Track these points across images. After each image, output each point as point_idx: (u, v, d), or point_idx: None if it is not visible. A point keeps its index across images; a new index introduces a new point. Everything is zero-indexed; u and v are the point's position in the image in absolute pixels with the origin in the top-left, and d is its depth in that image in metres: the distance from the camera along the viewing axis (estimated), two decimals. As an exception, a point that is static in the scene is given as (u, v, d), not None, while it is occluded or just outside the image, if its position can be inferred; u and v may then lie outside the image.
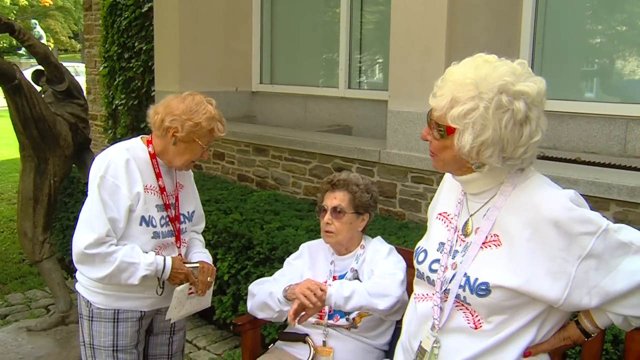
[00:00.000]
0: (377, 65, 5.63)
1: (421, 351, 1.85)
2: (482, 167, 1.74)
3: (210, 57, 5.95)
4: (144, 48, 6.80)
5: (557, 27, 4.34)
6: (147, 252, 2.49)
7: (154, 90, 6.60)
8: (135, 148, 2.55)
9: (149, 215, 2.51)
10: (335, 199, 2.63)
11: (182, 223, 2.65)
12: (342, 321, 2.55)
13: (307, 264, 2.74)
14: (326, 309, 2.56)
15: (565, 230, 1.62)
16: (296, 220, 4.09)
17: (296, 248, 3.59)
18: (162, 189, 2.56)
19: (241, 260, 3.91)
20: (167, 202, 2.58)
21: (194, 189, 2.81)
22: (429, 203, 4.18)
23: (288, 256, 3.61)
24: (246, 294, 3.78)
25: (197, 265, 2.62)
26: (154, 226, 2.53)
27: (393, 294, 2.37)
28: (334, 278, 2.62)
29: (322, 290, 2.31)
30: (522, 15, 4.23)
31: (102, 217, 2.39)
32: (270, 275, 3.51)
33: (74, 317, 4.07)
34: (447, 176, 2.05)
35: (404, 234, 3.79)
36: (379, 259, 2.56)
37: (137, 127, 7.13)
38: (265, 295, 2.58)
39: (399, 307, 2.39)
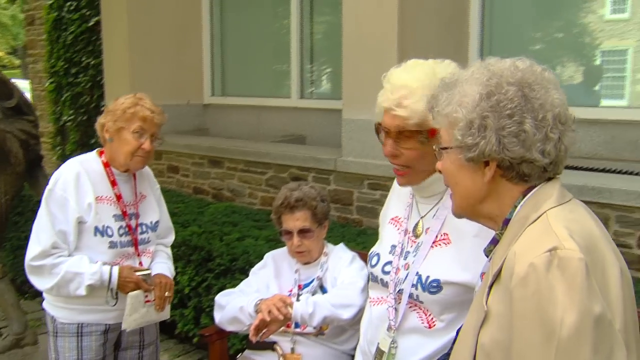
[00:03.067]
0: (329, 75, 5.69)
1: (379, 352, 1.90)
2: None
3: (161, 70, 5.91)
4: (92, 63, 6.70)
5: (503, 33, 4.49)
6: (104, 263, 2.50)
7: (103, 105, 6.50)
8: (88, 161, 2.61)
9: (103, 225, 2.52)
10: (298, 220, 2.62)
11: (143, 233, 2.66)
12: (310, 329, 2.56)
13: (272, 273, 2.75)
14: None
15: None
16: (255, 231, 4.09)
17: (257, 258, 3.59)
18: (118, 197, 2.57)
19: (201, 273, 3.89)
20: (125, 211, 2.58)
21: (159, 200, 2.81)
22: (386, 209, 4.25)
23: (249, 267, 3.62)
24: (208, 307, 3.80)
25: (149, 272, 2.60)
26: (110, 236, 2.54)
27: (355, 303, 2.38)
28: (299, 287, 2.64)
29: (288, 304, 2.34)
30: (470, 22, 4.36)
31: (48, 229, 2.46)
32: (233, 286, 3.51)
33: (29, 339, 3.98)
34: (395, 184, 2.10)
35: (363, 240, 3.84)
36: (342, 267, 2.59)
37: (86, 143, 7.00)
38: (236, 309, 2.55)
39: (362, 314, 2.42)
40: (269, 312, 2.29)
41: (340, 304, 2.37)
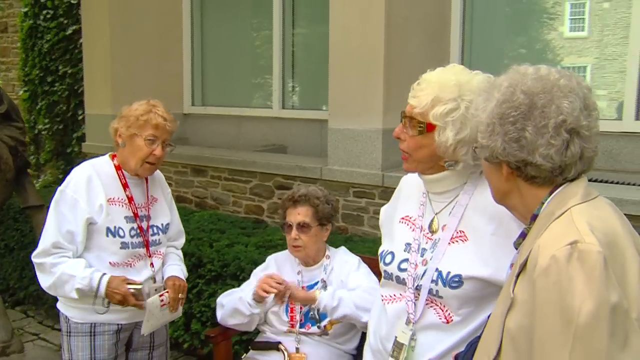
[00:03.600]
0: (311, 85, 5.78)
1: (398, 345, 1.94)
2: (454, 165, 1.88)
3: (143, 79, 5.91)
4: (69, 71, 6.67)
5: (481, 47, 4.65)
6: (118, 264, 2.57)
7: (81, 114, 6.48)
8: (100, 164, 2.67)
9: (115, 226, 2.57)
10: (299, 214, 2.73)
11: (154, 235, 2.71)
12: (314, 329, 2.64)
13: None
14: (297, 317, 2.65)
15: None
16: (244, 238, 4.14)
17: (249, 264, 3.66)
18: (129, 199, 2.62)
19: (192, 279, 3.91)
20: (136, 213, 2.63)
21: (171, 204, 2.86)
22: (371, 217, 4.36)
23: (241, 272, 3.69)
24: (199, 312, 3.84)
25: (141, 287, 2.58)
26: (122, 237, 2.59)
27: None
28: (303, 288, 2.71)
29: (277, 281, 2.53)
30: (451, 37, 4.51)
31: (53, 229, 2.52)
32: (224, 291, 3.58)
33: (15, 346, 3.94)
34: (403, 184, 2.19)
35: (350, 246, 3.87)
36: (350, 271, 2.66)
37: (62, 152, 6.96)
38: (235, 301, 2.68)
39: None
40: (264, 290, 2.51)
41: (362, 307, 2.45)
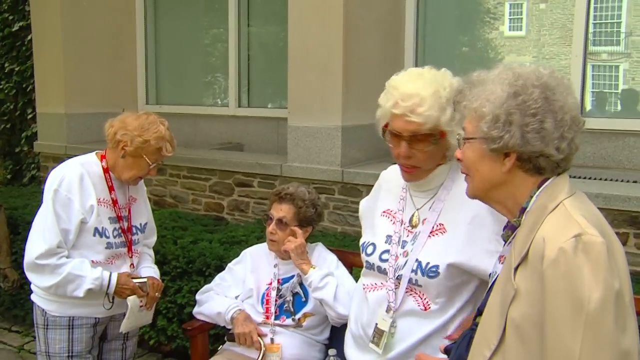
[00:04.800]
0: (268, 83, 5.85)
1: (378, 332, 2.07)
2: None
3: (96, 77, 5.86)
4: (16, 69, 6.52)
5: (434, 46, 4.83)
6: (100, 262, 2.60)
7: (30, 113, 6.36)
8: (89, 163, 2.67)
9: (102, 227, 2.62)
10: (281, 210, 2.79)
11: (134, 234, 2.76)
12: (288, 321, 2.73)
13: (249, 268, 2.88)
14: (272, 309, 2.74)
15: (500, 218, 1.94)
16: (207, 234, 4.18)
17: (214, 260, 3.72)
18: (114, 202, 2.66)
19: (157, 276, 3.94)
20: (120, 215, 2.67)
21: (146, 202, 2.90)
22: (331, 212, 4.46)
23: (207, 268, 3.75)
24: (164, 309, 3.87)
25: (145, 280, 2.72)
26: (107, 237, 2.64)
27: (347, 312, 2.48)
28: (279, 281, 2.79)
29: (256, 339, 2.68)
30: (405, 36, 4.67)
31: (55, 228, 2.52)
32: (190, 288, 3.62)
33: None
34: (383, 179, 2.32)
35: (311, 241, 4.01)
36: (330, 269, 2.74)
37: (10, 152, 6.80)
38: (214, 314, 2.81)
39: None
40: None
41: (341, 302, 2.54)
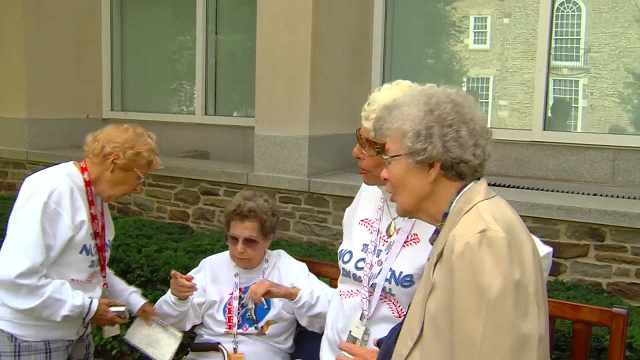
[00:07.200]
0: (234, 92, 5.84)
1: (352, 339, 2.11)
2: None
3: (60, 83, 5.78)
4: (-23, 73, 6.39)
5: (401, 58, 4.90)
6: (79, 281, 2.49)
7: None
8: (73, 175, 2.49)
9: (89, 244, 2.49)
10: (246, 229, 2.73)
11: (106, 252, 2.64)
12: (251, 330, 2.72)
13: (209, 277, 2.85)
14: (234, 319, 2.73)
15: None
16: (172, 243, 4.16)
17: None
18: (93, 217, 2.53)
19: (119, 285, 3.89)
20: (97, 231, 2.56)
21: (110, 216, 2.79)
22: (297, 221, 4.47)
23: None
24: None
25: (124, 309, 2.62)
26: (92, 255, 2.52)
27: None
28: (240, 290, 2.78)
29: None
30: (372, 47, 4.72)
31: (40, 245, 2.33)
32: (154, 297, 3.57)
33: None
34: (363, 188, 2.36)
35: (276, 250, 4.02)
36: (300, 276, 2.74)
37: (-31, 158, 6.64)
38: (161, 305, 2.78)
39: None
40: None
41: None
